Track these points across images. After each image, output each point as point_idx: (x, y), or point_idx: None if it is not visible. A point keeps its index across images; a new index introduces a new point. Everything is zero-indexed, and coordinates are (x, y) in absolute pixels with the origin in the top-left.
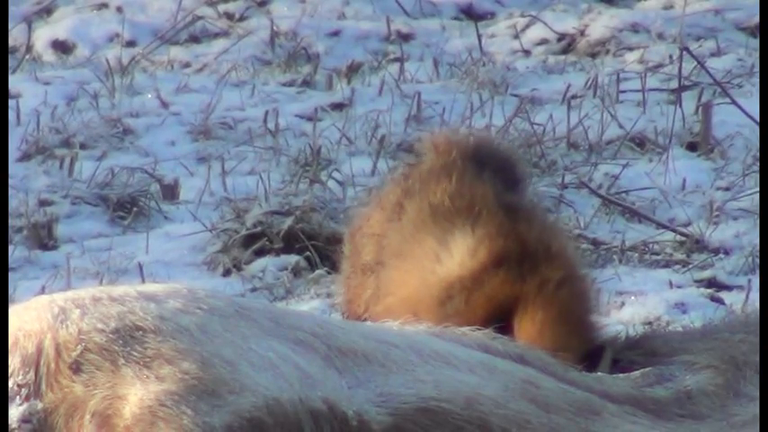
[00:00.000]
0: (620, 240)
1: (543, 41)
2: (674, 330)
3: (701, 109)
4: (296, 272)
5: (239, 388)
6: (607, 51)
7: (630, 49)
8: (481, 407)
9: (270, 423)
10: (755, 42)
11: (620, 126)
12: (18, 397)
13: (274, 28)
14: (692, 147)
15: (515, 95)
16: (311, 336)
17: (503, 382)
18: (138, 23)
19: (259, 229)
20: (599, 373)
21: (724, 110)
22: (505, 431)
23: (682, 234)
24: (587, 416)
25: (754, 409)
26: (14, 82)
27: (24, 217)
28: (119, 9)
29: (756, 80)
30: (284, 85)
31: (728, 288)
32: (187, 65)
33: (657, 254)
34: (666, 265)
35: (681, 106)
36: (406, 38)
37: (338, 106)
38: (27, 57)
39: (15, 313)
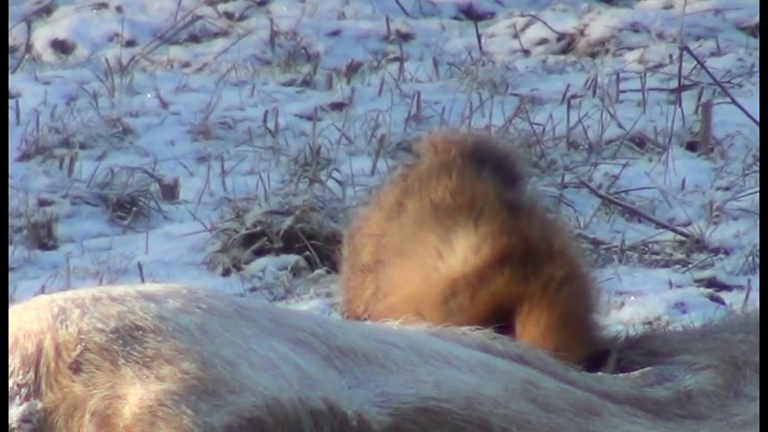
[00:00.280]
0: (620, 240)
1: (543, 41)
2: (673, 330)
3: (700, 109)
4: (295, 271)
5: (239, 388)
6: (607, 51)
7: (630, 48)
8: (481, 407)
9: (270, 423)
10: (755, 42)
11: (620, 126)
12: (18, 397)
13: (274, 28)
14: (691, 147)
15: (515, 95)
16: (311, 335)
17: (503, 382)
18: (137, 23)
19: (259, 228)
20: (599, 374)
21: (724, 110)
22: (505, 431)
23: (681, 234)
24: (587, 416)
25: (754, 409)
26: (14, 82)
27: (24, 217)
28: (118, 9)
29: (756, 80)
30: (284, 84)
31: (728, 288)
32: (187, 64)
33: (657, 254)
34: (666, 265)
35: (681, 106)
36: (405, 38)
37: (338, 106)
38: (27, 56)
39: (15, 313)
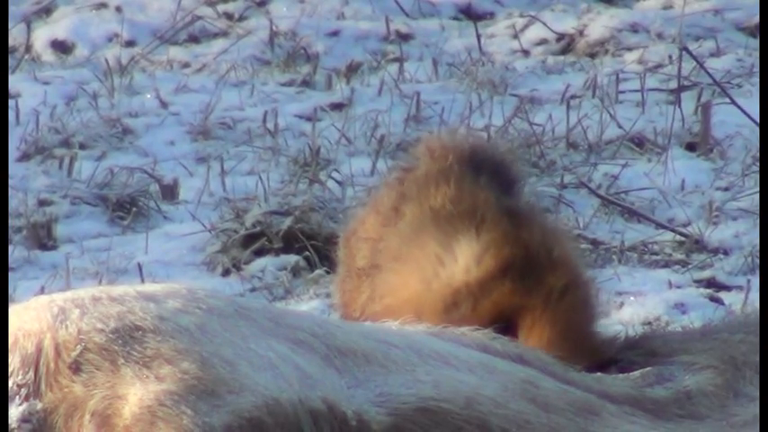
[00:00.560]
0: (620, 240)
1: (542, 41)
2: (673, 330)
3: (700, 109)
4: (295, 272)
5: (239, 388)
6: (606, 51)
7: (630, 49)
8: (480, 407)
9: (269, 423)
10: (755, 42)
11: (620, 126)
12: (18, 397)
13: (273, 28)
14: (691, 147)
15: (514, 95)
16: (311, 336)
17: (502, 382)
18: (137, 23)
19: (258, 229)
20: (598, 374)
21: (723, 110)
22: (505, 431)
23: (681, 234)
24: (587, 416)
25: (754, 409)
26: (14, 82)
27: (24, 217)
28: (118, 9)
29: (756, 80)
30: (283, 85)
31: (728, 288)
32: (186, 65)
33: (657, 254)
34: (666, 266)
35: (680, 106)
36: (405, 38)
37: (337, 106)
38: (26, 56)
39: (15, 313)
